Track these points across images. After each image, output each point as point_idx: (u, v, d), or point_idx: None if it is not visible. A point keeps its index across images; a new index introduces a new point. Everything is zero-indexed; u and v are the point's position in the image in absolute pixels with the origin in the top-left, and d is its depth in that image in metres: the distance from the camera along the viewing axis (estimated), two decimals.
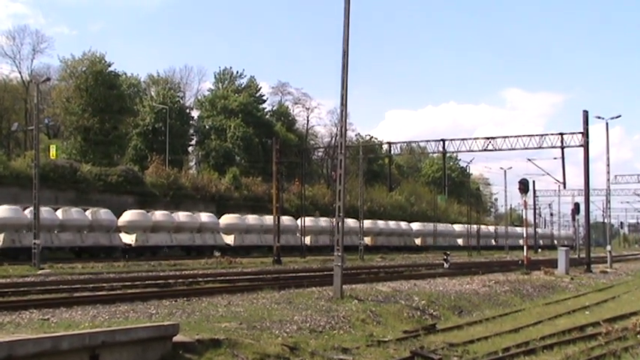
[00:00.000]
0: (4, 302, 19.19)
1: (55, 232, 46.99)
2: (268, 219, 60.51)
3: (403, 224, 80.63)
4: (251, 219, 61.40)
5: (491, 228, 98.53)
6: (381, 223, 75.04)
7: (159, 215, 53.79)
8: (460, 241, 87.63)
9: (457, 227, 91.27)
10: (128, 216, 52.35)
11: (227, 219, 59.92)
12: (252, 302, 19.92)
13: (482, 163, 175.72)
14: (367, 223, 66.57)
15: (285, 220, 61.48)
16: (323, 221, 66.23)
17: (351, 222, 62.32)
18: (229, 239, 58.07)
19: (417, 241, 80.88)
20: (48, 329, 13.62)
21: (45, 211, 44.85)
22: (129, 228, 51.50)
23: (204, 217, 57.92)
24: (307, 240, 61.25)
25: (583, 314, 22.34)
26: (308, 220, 61.56)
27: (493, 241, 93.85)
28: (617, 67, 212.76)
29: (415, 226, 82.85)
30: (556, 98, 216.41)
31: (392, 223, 77.82)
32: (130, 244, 50.35)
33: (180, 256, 50.95)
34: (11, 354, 9.74)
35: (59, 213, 47.76)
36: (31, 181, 40.28)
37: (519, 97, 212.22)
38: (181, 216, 55.61)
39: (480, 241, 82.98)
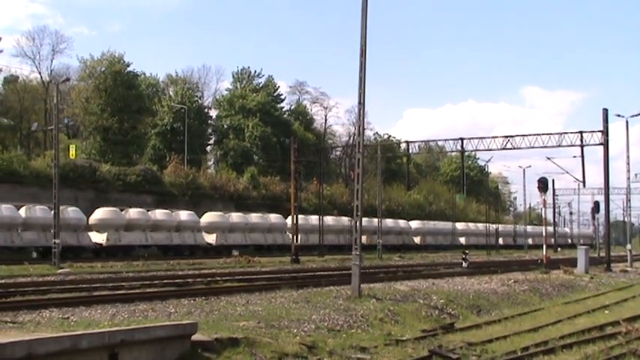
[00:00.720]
0: (24, 301, 19.38)
1: (18, 230, 44.74)
2: (254, 217, 59.85)
3: (402, 222, 77.58)
4: (235, 217, 58.84)
5: (507, 226, 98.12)
6: (376, 221, 71.42)
7: (133, 213, 51.21)
8: (463, 240, 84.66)
9: (459, 225, 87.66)
10: (99, 214, 49.95)
11: (209, 217, 57.31)
12: (270, 301, 19.93)
13: (501, 161, 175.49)
14: (363, 222, 65.28)
15: (273, 218, 61.12)
16: (315, 219, 62.15)
17: (345, 220, 62.64)
18: (211, 238, 55.79)
19: (417, 240, 78.31)
20: (67, 328, 13.71)
21: (6, 208, 43.76)
22: (100, 227, 49.06)
23: (184, 215, 55.12)
24: (257, 238, 59.76)
25: (603, 313, 22.19)
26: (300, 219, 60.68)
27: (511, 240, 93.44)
28: (637, 64, 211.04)
29: (414, 224, 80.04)
30: (575, 96, 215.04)
31: (389, 221, 73.23)
32: (101, 244, 48.06)
33: (156, 256, 48.32)
34: (31, 352, 9.81)
35: (22, 211, 45.13)
36: (51, 180, 40.54)
37: (538, 95, 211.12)
38: (158, 214, 53.07)
39: (500, 240, 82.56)
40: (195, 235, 54.96)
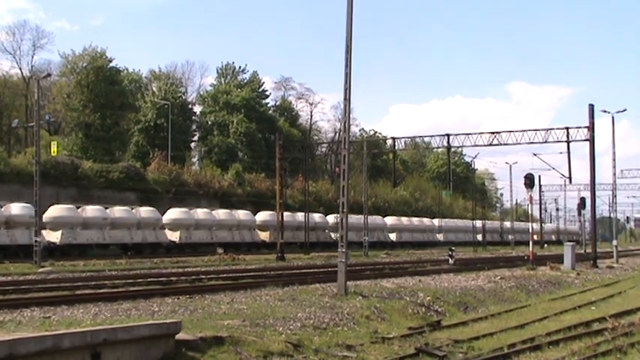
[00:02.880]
0: (4, 300, 19.23)
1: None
2: (222, 213, 58.38)
3: (378, 218, 76.00)
4: (200, 213, 56.69)
5: (495, 223, 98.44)
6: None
7: (90, 211, 50.02)
8: (440, 237, 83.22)
9: (436, 222, 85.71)
10: (53, 211, 48.34)
11: (172, 214, 55.31)
12: (255, 299, 19.90)
13: (488, 158, 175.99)
14: (331, 218, 65.46)
15: (242, 214, 60.04)
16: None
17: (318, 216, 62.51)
18: (175, 236, 54.32)
19: (392, 237, 76.51)
20: (49, 327, 13.64)
21: None
22: (54, 224, 47.82)
23: (144, 212, 53.43)
24: (224, 236, 58.19)
25: (589, 310, 22.30)
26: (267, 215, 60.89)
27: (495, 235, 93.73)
28: (626, 60, 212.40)
29: (389, 220, 78.62)
30: (563, 92, 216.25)
31: (354, 218, 70.16)
32: (55, 243, 46.85)
33: (115, 255, 46.65)
34: (12, 352, 9.74)
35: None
36: (32, 178, 40.35)
37: (525, 91, 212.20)
38: (117, 211, 51.88)
39: (480, 237, 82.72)
40: (156, 233, 52.98)
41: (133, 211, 52.71)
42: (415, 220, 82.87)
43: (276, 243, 49.25)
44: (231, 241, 56.73)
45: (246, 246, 58.55)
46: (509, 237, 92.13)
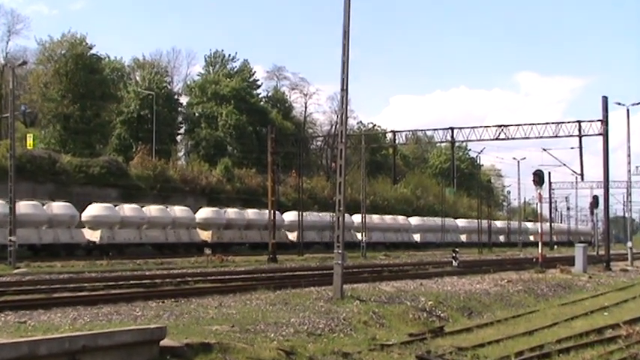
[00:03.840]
0: None
1: None
2: (154, 209, 55.37)
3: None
4: (127, 210, 53.19)
5: (499, 223, 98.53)
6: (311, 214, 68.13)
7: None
8: (417, 237, 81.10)
9: (413, 220, 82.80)
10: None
11: (93, 210, 51.94)
12: (245, 303, 19.92)
13: (494, 153, 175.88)
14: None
15: (178, 211, 58.17)
16: (252, 213, 61.93)
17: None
18: (95, 235, 51.97)
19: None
20: (25, 333, 13.65)
21: None
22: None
23: (57, 207, 49.82)
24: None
25: (602, 315, 22.35)
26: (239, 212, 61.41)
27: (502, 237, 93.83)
28: None
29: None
30: (575, 82, 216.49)
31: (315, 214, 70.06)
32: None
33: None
34: None
35: None
36: (7, 172, 40.24)
37: (534, 82, 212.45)
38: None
39: (492, 237, 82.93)
40: (71, 232, 49.82)
41: (44, 207, 49.76)
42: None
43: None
44: (164, 242, 55.18)
45: (184, 247, 55.98)
46: (517, 238, 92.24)
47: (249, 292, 22.87)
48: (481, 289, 26.63)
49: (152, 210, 54.37)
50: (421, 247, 74.98)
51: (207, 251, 46.34)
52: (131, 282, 27.14)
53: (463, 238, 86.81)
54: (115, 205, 52.45)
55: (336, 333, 16.78)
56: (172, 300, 20.56)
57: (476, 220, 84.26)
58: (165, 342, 12.70)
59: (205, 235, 57.27)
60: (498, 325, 19.91)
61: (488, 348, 15.76)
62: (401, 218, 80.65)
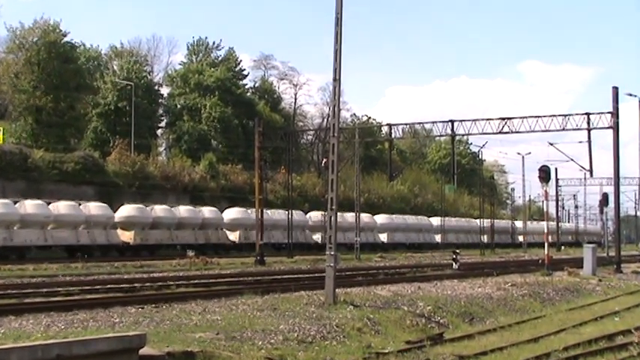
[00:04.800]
0: None
1: None
2: (93, 207, 52.73)
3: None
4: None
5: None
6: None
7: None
8: (384, 237, 77.70)
9: (379, 218, 79.12)
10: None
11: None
12: (231, 309, 19.93)
13: (497, 147, 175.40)
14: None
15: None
16: (184, 211, 60.12)
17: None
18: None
19: (437, 238, 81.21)
20: None
21: None
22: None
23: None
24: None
25: (612, 321, 22.44)
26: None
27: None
28: None
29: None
30: (583, 72, 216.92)
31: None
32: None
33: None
34: None
35: None
36: None
37: (540, 71, 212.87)
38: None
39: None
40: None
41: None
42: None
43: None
44: (90, 243, 52.02)
45: (100, 248, 53.12)
46: (522, 238, 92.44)
47: (235, 296, 22.87)
48: (483, 294, 26.70)
49: (60, 207, 50.35)
50: (389, 248, 72.61)
51: (190, 253, 46.32)
52: (108, 286, 27.11)
53: (438, 238, 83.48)
54: (15, 202, 48.33)
55: (328, 340, 16.79)
56: (153, 305, 20.57)
57: (454, 219, 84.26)
58: (144, 350, 12.70)
59: (127, 236, 53.42)
60: (502, 331, 19.97)
61: (491, 356, 15.82)
62: (365, 216, 73.11)
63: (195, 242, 54.90)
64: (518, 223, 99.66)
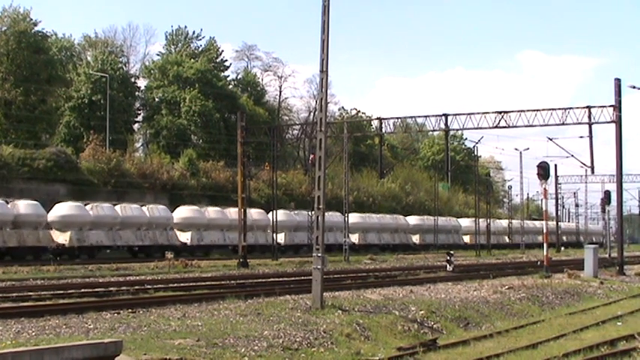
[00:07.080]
0: None
1: None
2: (23, 206, 50.35)
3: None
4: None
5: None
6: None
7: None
8: (355, 238, 75.34)
9: (352, 217, 75.35)
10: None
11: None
12: (212, 314, 19.94)
13: (494, 143, 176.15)
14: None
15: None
16: (128, 209, 57.99)
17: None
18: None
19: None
20: None
21: None
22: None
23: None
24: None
25: (614, 326, 22.53)
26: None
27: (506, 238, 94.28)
28: None
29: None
30: (584, 63, 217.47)
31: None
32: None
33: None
34: None
35: None
36: None
37: (539, 62, 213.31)
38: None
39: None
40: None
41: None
42: (384, 219, 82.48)
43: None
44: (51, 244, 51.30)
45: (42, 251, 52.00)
46: (519, 238, 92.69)
47: (216, 301, 22.92)
48: (479, 297, 26.76)
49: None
50: (361, 250, 71.08)
51: (169, 255, 46.24)
52: (82, 290, 27.03)
53: (415, 239, 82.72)
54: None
55: (315, 347, 16.81)
56: (129, 310, 20.54)
57: (433, 217, 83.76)
58: (120, 358, 12.68)
59: (63, 238, 51.39)
60: (498, 337, 20.03)
61: None
62: (335, 214, 69.05)
63: (2, 245, 48.34)
64: (516, 223, 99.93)
